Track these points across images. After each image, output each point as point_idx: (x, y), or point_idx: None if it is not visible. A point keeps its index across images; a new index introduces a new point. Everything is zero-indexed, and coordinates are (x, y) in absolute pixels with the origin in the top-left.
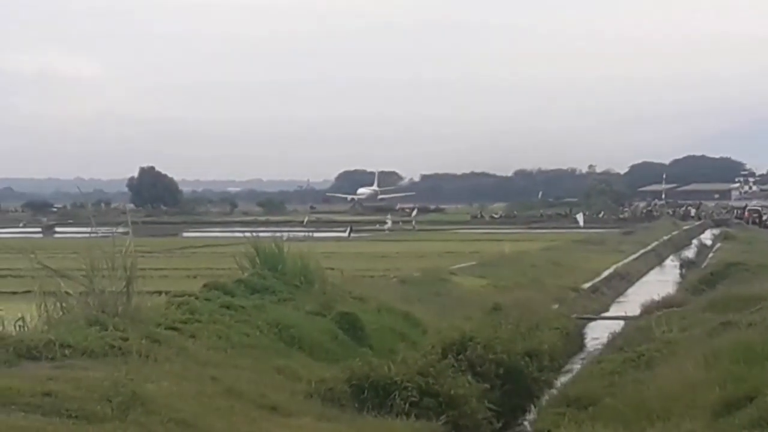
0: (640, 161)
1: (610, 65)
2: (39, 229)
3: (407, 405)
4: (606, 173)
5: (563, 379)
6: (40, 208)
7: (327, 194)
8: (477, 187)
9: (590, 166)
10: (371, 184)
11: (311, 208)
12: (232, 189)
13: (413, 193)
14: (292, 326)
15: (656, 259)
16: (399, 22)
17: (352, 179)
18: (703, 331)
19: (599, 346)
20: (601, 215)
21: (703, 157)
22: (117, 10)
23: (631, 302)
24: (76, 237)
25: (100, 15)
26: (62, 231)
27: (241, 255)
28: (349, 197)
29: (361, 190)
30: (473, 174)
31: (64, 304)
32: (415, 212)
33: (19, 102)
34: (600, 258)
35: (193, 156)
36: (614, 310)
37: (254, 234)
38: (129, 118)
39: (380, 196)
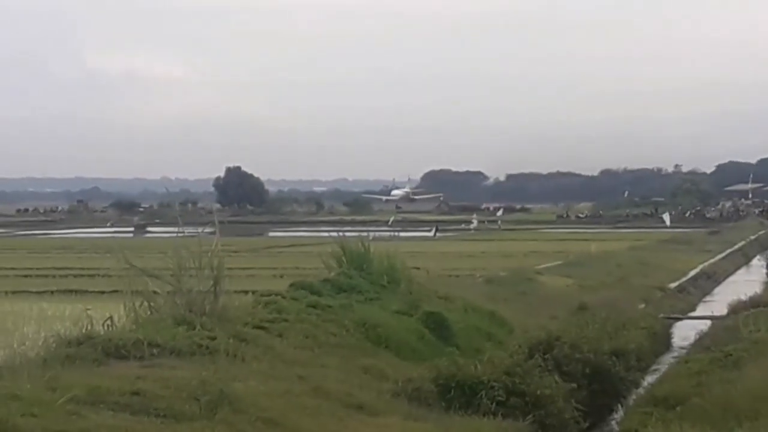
0: (726, 161)
1: (695, 66)
2: (130, 229)
3: (494, 404)
4: (692, 173)
5: (650, 378)
6: (128, 207)
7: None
8: (563, 187)
9: (676, 166)
10: (452, 184)
11: (397, 207)
12: (318, 188)
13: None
14: (378, 326)
15: (743, 259)
16: (493, 19)
17: (437, 179)
18: None
19: (686, 346)
20: (687, 215)
21: None
22: (203, 10)
23: (718, 302)
24: (165, 237)
25: (187, 16)
26: (153, 231)
27: (327, 255)
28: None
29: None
30: (559, 173)
31: (152, 304)
32: (500, 212)
33: (107, 102)
34: (686, 258)
35: (279, 155)
36: (701, 310)
37: (340, 234)
38: (215, 118)
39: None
